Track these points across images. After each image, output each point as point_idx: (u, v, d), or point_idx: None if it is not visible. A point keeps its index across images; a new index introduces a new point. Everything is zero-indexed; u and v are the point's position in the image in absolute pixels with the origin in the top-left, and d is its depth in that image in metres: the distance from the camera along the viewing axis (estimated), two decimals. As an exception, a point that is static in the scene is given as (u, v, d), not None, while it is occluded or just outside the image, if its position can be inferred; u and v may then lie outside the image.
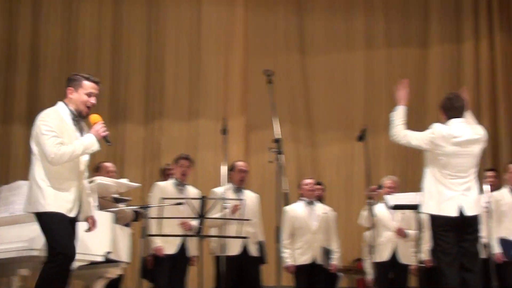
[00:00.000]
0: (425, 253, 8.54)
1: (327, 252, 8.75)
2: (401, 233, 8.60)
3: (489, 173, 8.92)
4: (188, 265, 8.24)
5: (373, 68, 12.19)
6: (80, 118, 5.68)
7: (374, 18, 12.32)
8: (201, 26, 12.05)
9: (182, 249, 8.05)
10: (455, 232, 6.35)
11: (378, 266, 8.41)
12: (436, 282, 6.68)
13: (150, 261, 8.08)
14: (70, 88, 5.66)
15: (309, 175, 10.01)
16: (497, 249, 8.31)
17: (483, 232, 8.47)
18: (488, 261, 8.10)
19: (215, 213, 7.63)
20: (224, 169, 8.11)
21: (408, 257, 8.68)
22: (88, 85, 5.64)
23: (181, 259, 8.07)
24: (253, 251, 8.38)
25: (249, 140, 11.61)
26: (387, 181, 8.96)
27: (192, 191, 8.33)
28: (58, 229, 5.37)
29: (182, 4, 12.09)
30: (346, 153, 11.84)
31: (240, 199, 7.94)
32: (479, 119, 11.31)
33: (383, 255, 8.58)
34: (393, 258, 8.59)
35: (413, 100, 11.91)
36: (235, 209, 7.86)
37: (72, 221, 5.55)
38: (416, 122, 11.70)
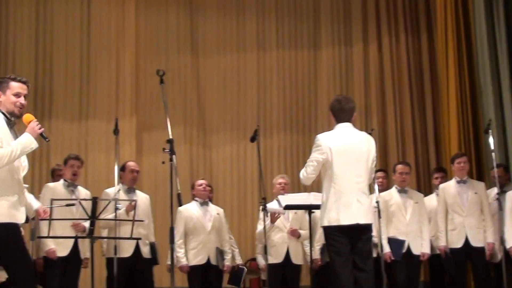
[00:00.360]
0: (316, 253, 8.69)
1: (221, 253, 8.77)
2: (294, 233, 8.69)
3: (379, 174, 9.13)
4: (80, 267, 8.13)
5: (265, 69, 12.27)
6: (15, 119, 5.52)
7: (266, 20, 12.39)
8: (91, 25, 11.83)
9: (74, 251, 7.93)
10: (349, 234, 6.37)
11: (271, 267, 8.50)
12: (328, 281, 6.76)
13: (40, 264, 7.92)
14: None
15: (202, 176, 10.02)
16: (386, 249, 8.50)
17: (373, 232, 8.71)
18: (379, 260, 8.28)
19: (107, 214, 7.54)
20: (115, 170, 8.04)
21: (300, 257, 8.80)
22: (15, 86, 5.50)
23: (73, 261, 7.94)
24: (145, 252, 8.33)
25: (141, 140, 11.50)
26: (280, 179, 9.04)
27: (83, 192, 8.22)
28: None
29: (71, 2, 11.82)
30: (239, 153, 11.91)
31: (133, 200, 7.88)
32: (369, 121, 11.65)
33: (277, 256, 8.67)
34: (286, 258, 8.69)
35: (304, 102, 12.17)
36: (130, 207, 7.79)
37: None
38: (308, 123, 12.02)
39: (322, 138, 6.43)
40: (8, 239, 5.24)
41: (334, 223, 6.25)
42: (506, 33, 9.73)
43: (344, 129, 6.48)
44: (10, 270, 5.31)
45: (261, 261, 8.90)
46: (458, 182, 8.76)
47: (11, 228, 5.25)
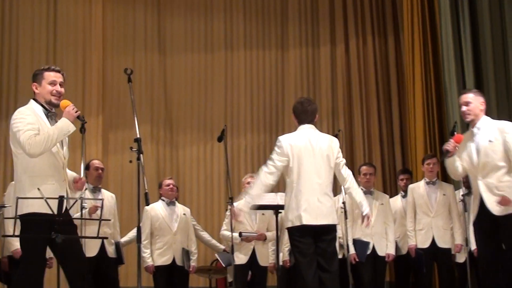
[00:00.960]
0: (284, 254, 8.73)
1: (186, 253, 8.77)
2: (260, 237, 8.71)
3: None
4: (45, 267, 8.07)
5: (233, 69, 12.28)
6: (54, 108, 5.63)
7: (234, 20, 12.40)
8: (57, 22, 11.74)
9: (39, 250, 7.88)
10: (312, 234, 6.44)
11: (237, 268, 8.52)
12: (295, 282, 6.80)
13: (5, 263, 7.86)
14: (34, 84, 5.70)
15: (169, 175, 10.01)
16: (352, 250, 8.58)
17: (339, 233, 8.77)
18: (345, 261, 8.34)
19: (73, 214, 7.49)
20: (82, 169, 8.00)
21: (266, 259, 8.82)
22: (49, 75, 5.64)
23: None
24: (111, 252, 8.31)
25: (107, 139, 11.44)
26: (249, 179, 9.05)
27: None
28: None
29: (37, -1, 11.77)
30: (206, 153, 11.90)
31: (99, 199, 7.85)
32: (335, 122, 11.71)
33: (243, 258, 8.69)
34: (252, 259, 8.71)
35: (272, 102, 12.20)
36: (93, 209, 7.76)
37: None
38: (275, 124, 12.05)
39: (284, 140, 6.53)
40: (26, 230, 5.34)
41: (296, 223, 6.33)
42: (471, 35, 9.82)
43: (306, 130, 6.59)
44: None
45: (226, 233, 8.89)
46: (428, 183, 8.89)
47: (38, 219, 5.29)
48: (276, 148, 6.53)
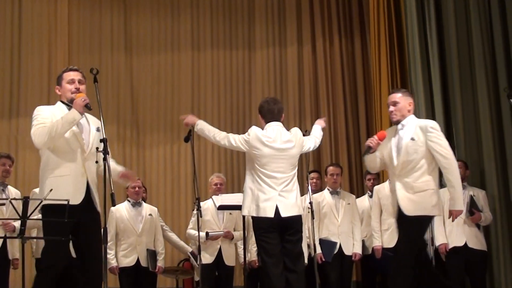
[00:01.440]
0: (252, 254, 8.75)
1: (152, 254, 8.75)
2: (227, 236, 8.73)
3: (312, 175, 9.26)
4: (9, 268, 8.02)
5: (200, 69, 12.26)
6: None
7: (200, 19, 12.38)
8: (22, 21, 11.64)
9: (3, 251, 7.83)
10: (277, 232, 6.55)
11: (204, 267, 8.52)
12: (262, 282, 6.86)
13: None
14: (57, 87, 5.91)
15: (136, 176, 9.98)
16: (319, 250, 8.62)
17: (306, 233, 8.83)
18: (312, 261, 8.39)
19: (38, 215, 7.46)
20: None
21: (232, 259, 8.84)
22: (67, 75, 5.83)
23: (2, 262, 7.83)
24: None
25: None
26: (216, 179, 9.08)
27: (13, 191, 8.13)
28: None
29: (1, -3, 11.65)
30: (173, 153, 11.87)
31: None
32: (302, 122, 11.74)
33: (209, 257, 8.70)
34: (218, 259, 8.73)
35: (239, 102, 12.22)
36: None
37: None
38: (242, 123, 12.06)
39: (255, 130, 6.76)
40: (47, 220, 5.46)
41: (253, 213, 6.52)
42: (437, 36, 9.89)
43: (274, 127, 6.78)
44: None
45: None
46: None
47: (58, 209, 5.37)
48: (247, 134, 6.77)
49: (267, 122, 6.85)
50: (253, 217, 6.66)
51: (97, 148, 5.08)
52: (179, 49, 12.29)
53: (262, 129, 6.85)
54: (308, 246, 8.76)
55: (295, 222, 6.64)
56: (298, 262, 6.56)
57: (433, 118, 9.81)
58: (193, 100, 12.14)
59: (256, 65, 12.34)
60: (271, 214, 6.47)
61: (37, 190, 8.12)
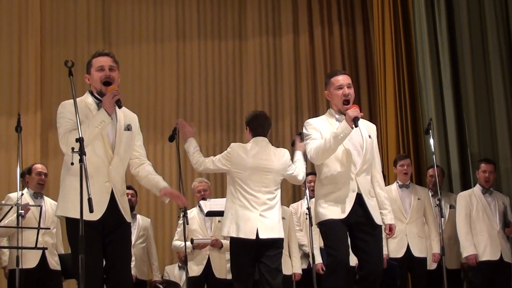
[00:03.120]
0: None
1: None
2: (216, 244, 8.64)
3: (310, 178, 9.18)
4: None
5: (186, 61, 12.18)
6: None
7: (186, 7, 12.31)
8: (-13, 10, 11.59)
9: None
10: (253, 255, 6.69)
11: (191, 280, 8.45)
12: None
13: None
14: (86, 75, 5.52)
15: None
16: (319, 259, 8.57)
17: (304, 241, 8.77)
18: (310, 272, 8.32)
19: (8, 221, 7.41)
20: (18, 171, 7.91)
21: (223, 271, 8.76)
22: (96, 61, 5.46)
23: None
24: (53, 263, 8.23)
25: (46, 139, 11.24)
26: (199, 186, 9.01)
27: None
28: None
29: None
30: (156, 154, 11.74)
31: (38, 205, 7.76)
32: (299, 117, 11.69)
33: (197, 269, 8.63)
34: (207, 271, 8.65)
35: (229, 97, 12.15)
36: (26, 210, 7.64)
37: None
38: (232, 120, 12.00)
39: (235, 148, 6.84)
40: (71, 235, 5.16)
41: (233, 234, 6.62)
42: (447, 24, 9.88)
43: (259, 142, 6.91)
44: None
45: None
46: (401, 186, 8.89)
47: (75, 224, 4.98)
48: (225, 153, 6.85)
49: (254, 136, 6.98)
50: (231, 238, 6.73)
51: (72, 148, 4.90)
52: (162, 39, 12.21)
53: (248, 141, 7.00)
54: (307, 255, 8.71)
55: (275, 242, 6.75)
56: (277, 277, 6.68)
57: (443, 112, 9.80)
58: (178, 95, 12.07)
59: (248, 56, 12.30)
60: (251, 236, 6.59)
61: (12, 195, 8.09)
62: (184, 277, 9.82)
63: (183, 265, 10.15)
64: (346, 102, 6.06)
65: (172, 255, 10.57)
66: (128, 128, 5.54)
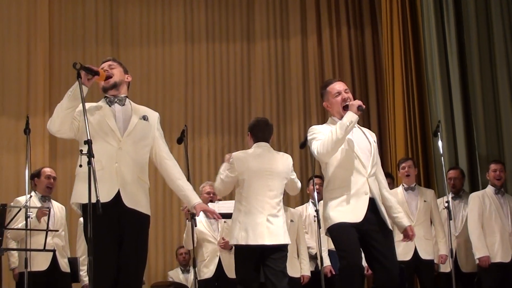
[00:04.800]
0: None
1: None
2: (226, 246, 8.64)
3: (317, 180, 9.18)
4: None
5: (194, 63, 12.20)
6: (110, 91, 5.64)
7: (194, 9, 12.34)
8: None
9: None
10: (257, 262, 6.73)
11: (202, 283, 8.44)
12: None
13: None
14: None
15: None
16: (327, 262, 8.57)
17: (310, 243, 8.77)
18: (318, 274, 8.33)
19: (17, 224, 7.43)
20: (27, 174, 7.93)
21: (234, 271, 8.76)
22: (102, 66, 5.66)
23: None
24: (64, 266, 8.25)
25: (55, 141, 11.29)
26: (208, 188, 9.00)
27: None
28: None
29: (-25, -13, 11.59)
30: (165, 156, 11.80)
31: (46, 207, 7.78)
32: (307, 120, 11.70)
33: (208, 272, 8.63)
34: (218, 273, 8.62)
35: (237, 99, 12.16)
36: (41, 213, 7.66)
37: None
38: (240, 123, 12.01)
39: (237, 157, 6.87)
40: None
41: (242, 241, 6.62)
42: (455, 26, 9.86)
43: (261, 149, 6.96)
44: None
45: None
46: (406, 189, 8.87)
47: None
48: (228, 164, 6.90)
49: (256, 141, 7.04)
50: (238, 246, 6.74)
51: (81, 151, 4.93)
52: (170, 41, 12.25)
53: (250, 147, 7.07)
54: (315, 258, 8.71)
55: (281, 246, 6.76)
56: (282, 280, 6.68)
57: (452, 114, 9.79)
58: (186, 98, 12.10)
59: (256, 58, 12.32)
60: (260, 241, 6.61)
61: (20, 198, 8.11)
62: (190, 279, 9.87)
63: (186, 268, 10.20)
64: (346, 106, 6.02)
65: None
66: (145, 118, 5.70)
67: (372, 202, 5.80)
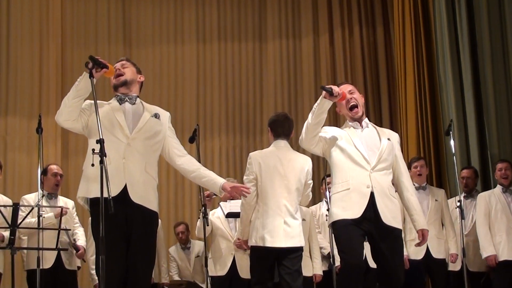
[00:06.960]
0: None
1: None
2: (242, 246, 8.61)
3: (329, 179, 9.18)
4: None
5: (206, 63, 12.22)
6: (121, 89, 5.70)
7: (206, 9, 12.36)
8: (10, 13, 11.59)
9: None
10: (272, 263, 6.73)
11: (214, 280, 8.44)
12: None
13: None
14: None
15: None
16: (339, 261, 8.55)
17: (323, 243, 8.76)
18: (330, 274, 8.33)
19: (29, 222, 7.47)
20: (39, 172, 7.97)
21: (248, 271, 8.74)
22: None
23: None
24: (67, 263, 8.28)
25: (67, 140, 11.32)
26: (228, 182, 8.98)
27: (1, 198, 8.11)
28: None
29: (-12, -12, 11.61)
30: (176, 155, 11.81)
31: (59, 206, 7.80)
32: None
33: (221, 269, 8.62)
34: (232, 271, 8.61)
35: (249, 99, 12.17)
36: (59, 213, 7.69)
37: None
38: (252, 122, 12.02)
39: (254, 157, 6.82)
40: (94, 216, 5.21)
41: (260, 243, 6.58)
42: (467, 25, 9.85)
43: (280, 148, 6.86)
44: None
45: None
46: (417, 188, 8.83)
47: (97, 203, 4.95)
48: (247, 165, 6.85)
49: (276, 137, 6.93)
50: (255, 247, 6.71)
51: (93, 150, 4.93)
52: (182, 41, 12.26)
53: (270, 144, 7.00)
54: (325, 257, 8.70)
55: (296, 248, 6.72)
56: (297, 279, 6.64)
57: (464, 114, 9.78)
58: (198, 97, 12.11)
59: (268, 58, 12.32)
60: (278, 244, 6.56)
61: (27, 196, 8.14)
62: (192, 257, 10.06)
63: (186, 245, 10.19)
64: (352, 107, 6.03)
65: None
66: (156, 116, 5.72)
67: (372, 197, 5.79)
